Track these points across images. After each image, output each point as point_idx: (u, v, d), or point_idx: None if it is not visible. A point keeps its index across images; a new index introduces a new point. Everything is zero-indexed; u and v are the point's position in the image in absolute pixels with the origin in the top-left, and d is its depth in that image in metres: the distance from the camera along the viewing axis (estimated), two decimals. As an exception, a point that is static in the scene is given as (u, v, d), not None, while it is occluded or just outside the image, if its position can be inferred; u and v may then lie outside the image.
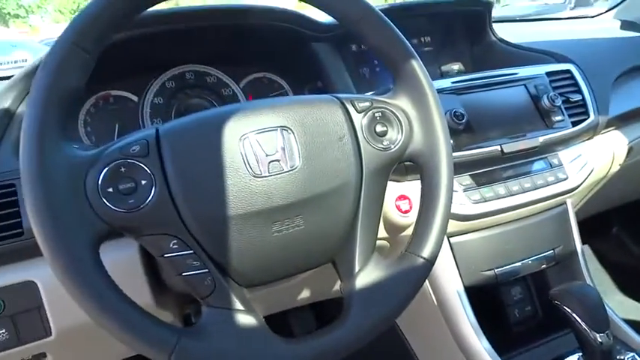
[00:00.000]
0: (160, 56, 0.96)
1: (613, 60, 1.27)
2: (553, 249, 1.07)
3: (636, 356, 0.83)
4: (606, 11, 1.76)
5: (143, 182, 0.54)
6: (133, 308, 0.51)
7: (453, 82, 0.99)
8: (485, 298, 1.13)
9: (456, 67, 1.32)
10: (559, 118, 1.03)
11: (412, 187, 0.92)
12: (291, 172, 0.58)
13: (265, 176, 0.57)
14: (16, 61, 1.02)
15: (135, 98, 0.98)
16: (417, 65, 0.66)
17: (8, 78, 0.85)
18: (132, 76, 0.96)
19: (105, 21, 0.54)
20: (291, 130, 0.60)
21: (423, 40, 1.30)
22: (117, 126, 0.96)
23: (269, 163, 0.58)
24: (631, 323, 1.59)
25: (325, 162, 0.61)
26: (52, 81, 0.51)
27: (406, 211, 0.90)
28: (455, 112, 0.93)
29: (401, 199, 0.91)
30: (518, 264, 1.03)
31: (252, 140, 0.58)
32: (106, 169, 0.53)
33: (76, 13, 0.54)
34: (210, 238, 0.56)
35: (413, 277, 0.63)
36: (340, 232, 0.62)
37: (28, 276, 0.73)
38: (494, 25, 1.29)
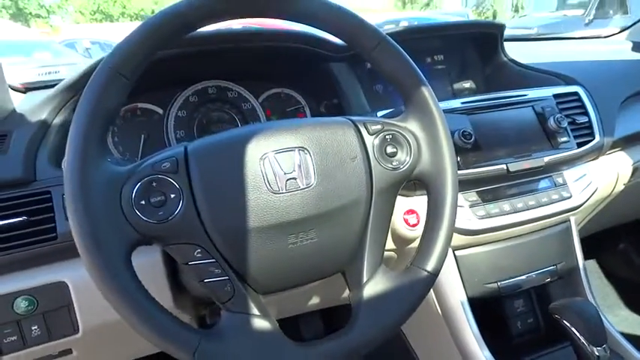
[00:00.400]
0: (185, 72, 1.02)
1: (621, 82, 1.30)
2: (555, 264, 1.11)
3: None
4: (619, 32, 1.79)
5: (172, 196, 0.59)
6: (161, 311, 0.57)
7: (462, 103, 1.03)
8: (489, 309, 1.17)
9: (468, 85, 1.37)
10: (564, 139, 1.07)
11: (420, 202, 0.96)
12: (306, 189, 0.63)
13: (283, 193, 0.62)
14: (37, 62, 1.09)
15: (160, 111, 1.04)
16: (427, 92, 0.71)
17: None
18: (158, 90, 1.02)
19: (144, 50, 0.60)
20: (307, 150, 0.65)
21: (436, 58, 1.34)
22: (142, 137, 1.02)
23: (286, 180, 0.63)
24: (633, 338, 1.62)
25: (338, 180, 0.65)
26: (95, 105, 0.57)
27: (414, 225, 0.95)
28: (464, 131, 0.97)
29: (409, 213, 0.95)
30: (521, 278, 1.08)
31: (271, 159, 0.63)
32: (139, 183, 0.58)
33: (119, 41, 0.59)
34: (231, 249, 0.61)
35: (417, 289, 0.68)
36: (350, 246, 0.67)
37: (59, 277, 0.79)
38: (507, 44, 1.34)
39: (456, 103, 1.03)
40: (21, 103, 0.98)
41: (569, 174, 1.11)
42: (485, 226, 1.00)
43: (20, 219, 0.75)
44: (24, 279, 0.78)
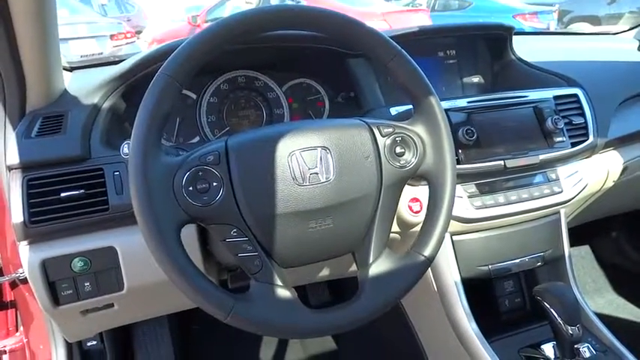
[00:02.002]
0: (218, 63, 1.13)
1: (621, 84, 1.39)
2: (543, 252, 1.23)
3: (590, 346, 0.99)
4: (629, 29, 1.86)
5: (214, 184, 0.71)
6: (203, 277, 0.70)
7: (469, 102, 1.13)
8: (482, 289, 1.30)
9: (476, 80, 1.46)
10: (560, 139, 1.17)
11: (423, 192, 1.06)
12: (326, 183, 0.75)
13: (306, 185, 0.74)
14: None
15: (194, 96, 1.16)
16: (435, 101, 0.81)
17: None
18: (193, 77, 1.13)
19: (198, 59, 0.71)
20: (328, 149, 0.76)
21: (448, 53, 1.44)
22: (178, 120, 1.14)
23: (310, 175, 0.74)
24: (615, 320, 1.76)
25: (353, 176, 0.77)
26: (153, 109, 0.69)
27: (417, 212, 1.07)
28: (467, 129, 1.07)
29: (413, 201, 1.07)
30: (511, 262, 1.20)
31: (297, 156, 0.74)
32: (188, 172, 0.70)
33: (176, 50, 0.71)
34: (261, 230, 0.73)
35: (414, 271, 0.80)
36: (360, 231, 0.79)
37: (109, 242, 0.93)
38: (518, 38, 1.42)
39: (462, 102, 1.13)
40: (70, 83, 1.09)
41: (562, 170, 1.21)
42: (480, 216, 1.12)
43: (79, 192, 0.88)
44: (81, 243, 0.91)
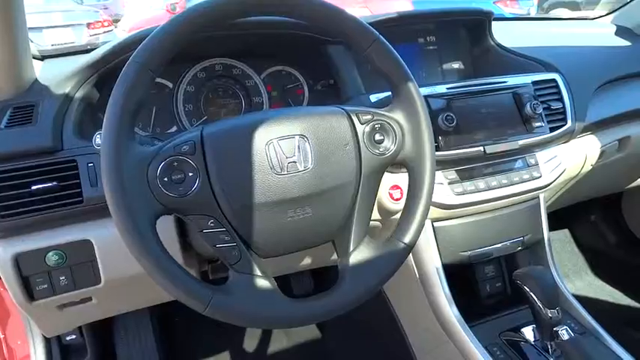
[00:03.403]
0: (195, 50, 1.11)
1: (599, 69, 1.40)
2: (523, 236, 1.24)
3: (568, 329, 1.00)
4: (606, 14, 1.87)
5: (190, 174, 0.70)
6: (180, 269, 0.68)
7: (448, 89, 1.13)
8: (463, 274, 1.31)
9: (456, 65, 1.46)
10: (538, 124, 1.17)
11: (404, 179, 1.07)
12: (304, 171, 0.74)
13: (284, 174, 0.73)
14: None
15: (170, 85, 1.14)
16: (414, 87, 0.81)
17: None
18: (169, 65, 1.11)
19: (172, 46, 0.69)
20: (306, 137, 0.75)
21: (428, 39, 1.43)
22: (154, 109, 1.11)
23: (288, 163, 0.73)
24: (593, 301, 1.79)
25: (332, 164, 0.76)
26: (125, 98, 0.67)
27: (397, 199, 1.07)
28: (447, 116, 1.07)
29: (393, 188, 1.07)
30: (492, 247, 1.21)
31: (275, 145, 0.73)
32: (163, 163, 0.69)
33: (147, 38, 0.69)
34: (239, 220, 0.72)
35: (395, 258, 0.80)
36: (340, 220, 0.79)
37: (85, 235, 0.91)
38: (498, 23, 1.42)
39: (442, 89, 1.13)
40: (42, 72, 1.06)
41: (540, 155, 1.22)
42: (461, 202, 1.12)
43: (52, 184, 0.86)
44: (55, 236, 0.89)
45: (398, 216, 0.90)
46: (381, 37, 0.79)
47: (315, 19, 0.77)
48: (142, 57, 0.68)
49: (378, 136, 0.80)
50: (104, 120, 0.67)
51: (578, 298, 1.23)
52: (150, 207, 0.68)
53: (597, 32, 1.74)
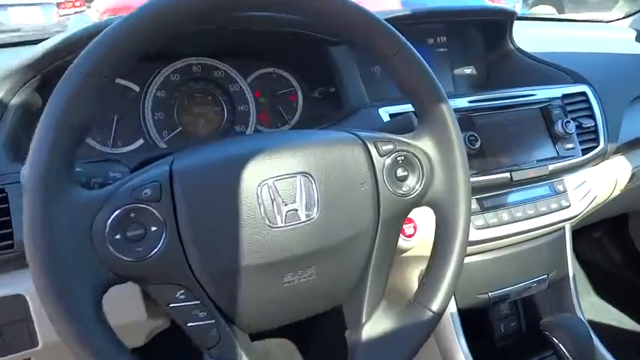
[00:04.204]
0: (167, 47, 0.90)
1: (629, 81, 1.24)
2: (547, 274, 1.08)
3: None
4: (622, 18, 1.72)
5: (153, 229, 0.50)
6: None
7: (469, 102, 0.95)
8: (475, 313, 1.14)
9: (469, 71, 1.29)
10: (570, 145, 1.01)
11: (418, 212, 0.89)
12: (307, 222, 0.55)
13: (281, 227, 0.54)
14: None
15: (137, 89, 0.93)
16: (447, 109, 0.63)
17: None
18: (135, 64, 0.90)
19: (128, 48, 0.49)
20: (311, 176, 0.56)
21: (438, 40, 1.25)
22: (115, 118, 0.91)
23: (286, 212, 0.54)
24: (600, 325, 1.64)
25: (343, 210, 0.58)
26: (62, 118, 0.47)
27: (410, 235, 0.89)
28: (469, 135, 0.90)
29: (406, 222, 0.88)
30: (513, 288, 1.04)
31: (270, 187, 0.54)
32: (115, 214, 0.49)
33: (91, 43, 0.49)
34: (219, 290, 0.53)
35: (419, 332, 0.62)
36: (351, 280, 0.61)
37: (16, 289, 0.70)
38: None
39: (462, 102, 0.95)
40: None
41: (569, 181, 1.06)
42: (482, 237, 0.95)
43: None
44: None
45: (409, 253, 0.73)
46: (408, 43, 0.61)
47: (321, 15, 0.58)
48: (83, 64, 0.48)
49: (400, 172, 0.62)
50: (29, 151, 0.47)
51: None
52: (92, 277, 0.48)
53: (617, 37, 1.58)
